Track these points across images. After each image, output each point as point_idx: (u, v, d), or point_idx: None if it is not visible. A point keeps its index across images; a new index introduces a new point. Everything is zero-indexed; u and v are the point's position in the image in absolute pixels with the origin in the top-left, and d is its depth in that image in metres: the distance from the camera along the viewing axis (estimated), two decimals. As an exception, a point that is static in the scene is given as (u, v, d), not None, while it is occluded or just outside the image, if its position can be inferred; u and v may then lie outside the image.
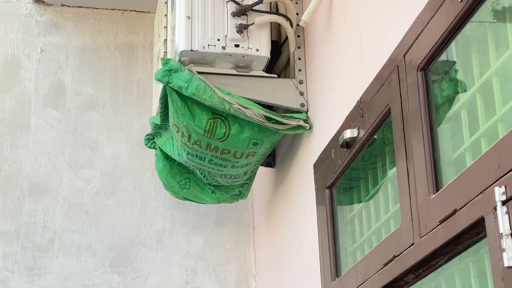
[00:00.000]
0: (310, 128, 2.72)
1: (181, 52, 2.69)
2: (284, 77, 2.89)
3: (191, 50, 2.67)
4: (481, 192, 1.48)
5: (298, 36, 2.86)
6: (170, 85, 2.66)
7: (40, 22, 3.80)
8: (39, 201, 3.52)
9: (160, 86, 2.76)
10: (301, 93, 2.79)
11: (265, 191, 3.43)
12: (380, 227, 2.18)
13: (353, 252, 2.37)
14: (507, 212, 1.39)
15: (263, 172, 3.38)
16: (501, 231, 1.39)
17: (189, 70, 2.66)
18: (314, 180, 2.64)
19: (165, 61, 2.70)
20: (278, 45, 2.95)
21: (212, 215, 3.64)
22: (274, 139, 2.79)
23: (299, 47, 2.85)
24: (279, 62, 2.93)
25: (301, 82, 2.80)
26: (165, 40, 2.93)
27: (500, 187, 1.41)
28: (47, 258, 3.45)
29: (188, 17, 2.70)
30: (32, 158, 3.57)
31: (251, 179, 3.14)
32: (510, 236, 1.38)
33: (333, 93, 2.52)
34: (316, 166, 2.63)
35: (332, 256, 2.43)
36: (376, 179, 2.29)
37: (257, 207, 3.61)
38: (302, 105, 2.77)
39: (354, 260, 2.31)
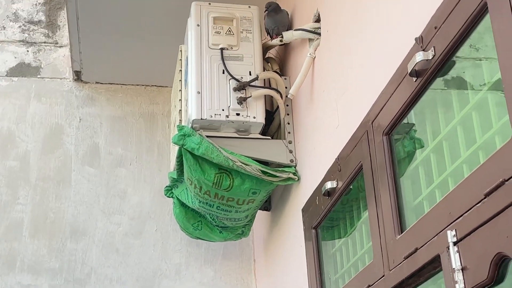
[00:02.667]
0: (298, 179, 2.73)
1: (193, 120, 2.70)
2: (277, 139, 2.91)
3: (201, 119, 2.69)
4: (437, 234, 1.49)
5: (287, 105, 2.88)
6: (184, 147, 2.68)
7: (79, 96, 3.83)
8: (78, 242, 3.51)
9: (176, 147, 2.78)
10: (291, 151, 2.80)
11: (263, 230, 3.42)
12: (357, 260, 2.18)
13: (335, 281, 2.36)
14: (458, 251, 1.40)
15: (261, 215, 3.37)
16: (454, 266, 1.39)
17: (199, 134, 2.68)
18: (303, 222, 2.63)
19: (180, 128, 2.72)
20: (271, 113, 2.98)
21: (220, 250, 3.63)
22: (269, 188, 2.80)
23: (288, 114, 2.86)
24: (272, 126, 2.95)
25: (290, 142, 2.82)
26: (180, 110, 2.95)
27: (452, 230, 1.42)
28: (85, 289, 3.43)
29: (198, 92, 2.73)
30: (72, 207, 3.57)
31: (251, 220, 3.14)
32: (461, 271, 1.38)
33: (316, 151, 2.53)
34: (304, 210, 2.63)
35: (319, 284, 2.41)
36: (353, 220, 2.29)
37: (257, 243, 3.59)
38: (292, 161, 2.78)
39: (333, 286, 2.30)
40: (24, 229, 3.49)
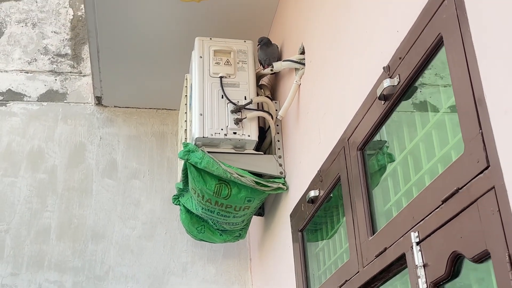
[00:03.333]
0: (287, 189, 2.72)
1: (196, 138, 2.70)
2: (269, 154, 2.90)
3: (203, 137, 2.69)
4: (402, 236, 1.48)
5: (277, 125, 2.88)
6: (189, 161, 2.67)
7: (99, 118, 3.83)
8: (98, 244, 3.49)
9: (182, 161, 2.78)
10: (280, 165, 2.80)
11: (258, 233, 3.41)
12: (337, 259, 2.16)
13: (318, 277, 2.34)
14: (420, 250, 1.39)
15: (256, 220, 3.36)
16: (417, 263, 1.39)
17: (202, 150, 2.68)
18: (290, 225, 2.62)
19: (185, 145, 2.72)
20: (264, 130, 2.98)
21: (220, 251, 3.61)
22: (262, 196, 2.79)
23: (278, 133, 2.86)
24: (265, 143, 2.95)
25: (280, 157, 2.81)
26: (186, 130, 2.95)
27: (415, 232, 1.41)
28: (104, 285, 3.41)
29: (201, 114, 2.73)
30: (93, 214, 3.56)
31: (247, 225, 3.12)
32: (423, 267, 1.38)
33: (302, 164, 2.53)
34: (292, 215, 2.62)
35: (304, 280, 2.40)
36: (333, 224, 2.28)
37: (252, 244, 3.58)
38: (281, 172, 2.78)
39: (319, 282, 2.29)
40: (51, 233, 3.48)
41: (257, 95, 2.89)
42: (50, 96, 3.84)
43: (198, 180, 2.70)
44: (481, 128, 1.16)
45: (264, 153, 2.92)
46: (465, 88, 1.22)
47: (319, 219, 2.41)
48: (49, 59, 3.96)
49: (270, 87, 3.08)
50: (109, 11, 3.05)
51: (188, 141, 2.87)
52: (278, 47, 2.91)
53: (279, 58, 2.87)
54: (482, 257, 1.15)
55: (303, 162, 2.51)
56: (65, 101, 3.84)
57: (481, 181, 1.15)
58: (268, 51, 2.85)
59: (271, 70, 2.81)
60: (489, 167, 1.13)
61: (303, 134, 2.51)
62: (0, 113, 3.74)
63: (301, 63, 2.54)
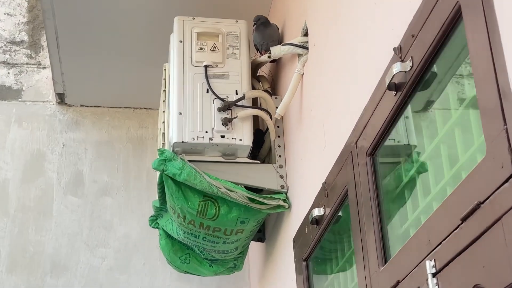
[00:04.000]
0: (289, 207, 2.67)
1: (174, 143, 2.68)
2: (269, 162, 2.86)
3: (182, 142, 2.66)
4: (417, 265, 1.43)
5: (278, 127, 2.84)
6: (165, 172, 2.64)
7: (62, 120, 3.83)
8: (59, 278, 3.47)
9: (158, 173, 2.74)
10: (281, 176, 2.75)
11: (259, 263, 3.36)
12: (347, 295, 2.12)
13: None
14: (437, 284, 1.34)
15: (256, 247, 3.32)
16: (433, 300, 1.33)
17: (181, 159, 2.65)
18: (294, 253, 2.58)
19: (161, 152, 2.69)
20: (262, 133, 2.94)
21: (213, 286, 3.57)
22: (259, 217, 2.74)
23: (278, 136, 2.82)
24: (263, 149, 2.91)
25: (281, 166, 2.77)
26: (163, 133, 2.93)
27: (431, 260, 1.36)
28: (66, 329, 3.39)
29: (180, 113, 2.70)
30: (53, 240, 3.55)
31: (243, 253, 3.08)
32: (440, 304, 1.32)
33: (305, 175, 2.49)
34: (295, 241, 2.57)
35: (309, 322, 2.35)
36: (344, 252, 2.23)
37: (253, 278, 3.53)
38: (282, 186, 2.73)
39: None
40: (1, 264, 3.46)
41: (253, 88, 2.85)
42: (1, 93, 3.85)
43: (178, 197, 2.66)
44: (505, 123, 1.10)
45: (264, 162, 2.89)
46: (487, 73, 1.17)
47: (329, 245, 2.36)
48: (0, 47, 3.96)
49: (270, 79, 3.04)
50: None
51: (166, 147, 2.84)
52: (278, 28, 2.87)
53: (279, 42, 2.83)
54: (508, 293, 1.09)
55: (307, 173, 2.47)
56: (20, 99, 3.84)
57: (507, 192, 1.10)
58: (266, 33, 2.82)
59: (269, 57, 2.77)
60: (516, 174, 1.07)
61: (306, 137, 2.47)
62: None
63: (304, 47, 2.50)
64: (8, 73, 3.91)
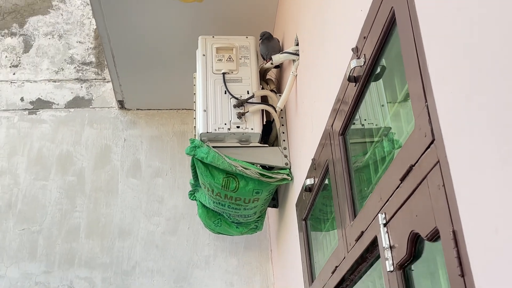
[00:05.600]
0: (292, 179, 2.64)
1: (200, 134, 2.67)
2: (277, 146, 2.84)
3: (207, 132, 2.65)
4: (374, 218, 1.39)
5: (282, 117, 2.81)
6: (196, 156, 2.64)
7: (123, 121, 3.85)
8: (125, 241, 3.50)
9: (190, 157, 2.74)
10: (285, 156, 2.72)
11: (275, 224, 3.34)
12: (334, 246, 2.08)
13: (321, 265, 2.26)
14: (387, 232, 1.30)
15: (273, 212, 3.31)
16: (384, 245, 1.30)
17: (207, 145, 2.64)
18: (296, 215, 2.55)
19: (192, 141, 2.68)
20: (271, 123, 2.91)
21: (242, 243, 3.56)
22: (270, 188, 2.72)
23: (282, 125, 2.79)
24: (271, 136, 2.88)
25: (285, 148, 2.74)
26: (194, 126, 2.92)
27: (382, 214, 1.32)
28: (131, 279, 3.41)
29: (204, 110, 2.69)
30: (119, 212, 3.58)
31: (262, 216, 3.06)
32: (389, 249, 1.28)
33: (302, 154, 2.45)
34: (297, 205, 2.54)
35: (309, 268, 2.32)
36: (332, 212, 2.19)
37: (272, 236, 3.51)
38: (286, 164, 2.70)
39: (319, 269, 2.20)
40: (81, 232, 3.51)
41: (263, 89, 2.82)
42: (76, 102, 3.89)
43: (206, 175, 2.66)
44: (426, 101, 1.06)
45: (272, 145, 2.86)
46: (412, 60, 1.12)
47: (323, 208, 2.32)
48: (75, 67, 4.01)
49: (276, 81, 3.01)
50: (117, 15, 3.04)
51: (196, 138, 2.83)
52: (279, 41, 2.83)
53: (280, 51, 2.79)
54: (434, 236, 1.06)
55: (302, 152, 2.43)
56: (90, 106, 3.88)
57: (429, 155, 1.06)
58: (269, 45, 2.78)
59: (271, 63, 2.73)
60: (434, 141, 1.03)
61: (301, 123, 2.44)
62: (31, 121, 3.80)
63: (296, 54, 2.46)
64: (81, 87, 3.95)
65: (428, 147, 1.06)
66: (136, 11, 3.03)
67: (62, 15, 4.17)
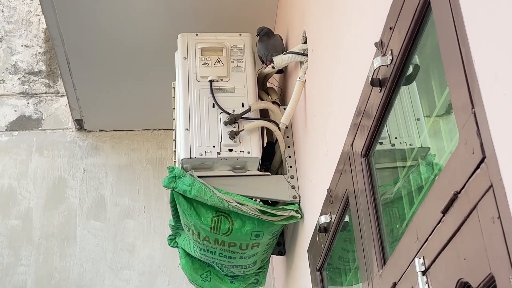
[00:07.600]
0: (302, 217, 2.62)
1: (182, 160, 2.66)
2: (282, 174, 2.82)
3: (190, 157, 2.64)
4: (409, 265, 1.37)
5: (288, 137, 2.80)
6: (176, 190, 2.62)
7: (82, 146, 3.85)
8: (85, 303, 3.47)
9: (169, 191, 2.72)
10: (293, 187, 2.71)
11: (282, 277, 3.31)
12: (358, 303, 2.05)
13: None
14: (427, 282, 1.28)
15: (279, 260, 3.28)
16: (424, 299, 1.27)
17: (190, 175, 2.62)
18: (309, 264, 2.52)
19: (171, 169, 2.67)
20: (274, 144, 2.90)
21: (239, 303, 3.52)
22: (273, 229, 2.70)
23: (288, 147, 2.78)
24: (274, 161, 2.87)
25: (292, 177, 2.73)
26: (174, 151, 2.91)
27: (420, 258, 1.30)
28: None
29: (187, 129, 2.69)
30: (78, 265, 3.55)
31: (264, 267, 3.03)
32: (431, 304, 1.26)
33: (313, 183, 2.44)
34: (309, 251, 2.52)
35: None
36: (355, 260, 2.17)
37: (278, 292, 3.48)
38: (294, 197, 2.69)
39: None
40: (27, 292, 3.48)
41: (262, 100, 2.82)
42: (21, 123, 3.89)
43: (190, 214, 2.64)
44: (473, 106, 1.05)
45: (277, 173, 2.85)
46: (453, 54, 1.11)
47: (345, 254, 2.30)
48: (19, 78, 4.02)
49: (279, 91, 3.01)
50: (73, 11, 3.05)
51: (177, 165, 2.82)
52: (282, 38, 2.84)
53: (284, 52, 2.79)
54: (489, 285, 1.03)
55: (314, 181, 2.42)
56: (40, 128, 3.88)
57: (479, 178, 1.04)
58: (269, 43, 2.79)
59: (273, 67, 2.74)
60: (485, 159, 1.01)
61: (311, 144, 2.43)
62: (-37, 149, 3.81)
63: (304, 54, 2.46)
64: (28, 103, 3.96)
65: (478, 167, 1.04)
66: (98, 4, 3.04)
67: (2, 11, 4.20)
